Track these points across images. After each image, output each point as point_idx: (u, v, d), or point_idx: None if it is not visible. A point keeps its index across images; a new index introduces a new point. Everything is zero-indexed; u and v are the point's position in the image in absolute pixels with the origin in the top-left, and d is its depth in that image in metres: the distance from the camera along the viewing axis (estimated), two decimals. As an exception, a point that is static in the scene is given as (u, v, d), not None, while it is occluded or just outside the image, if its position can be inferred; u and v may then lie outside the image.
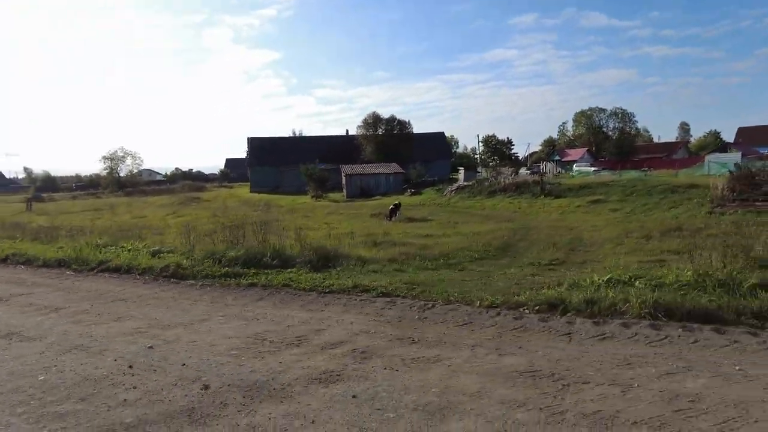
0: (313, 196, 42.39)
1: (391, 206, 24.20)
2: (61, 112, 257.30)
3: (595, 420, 3.56)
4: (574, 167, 62.45)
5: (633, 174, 46.98)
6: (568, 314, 5.86)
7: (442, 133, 67.76)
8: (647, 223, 17.15)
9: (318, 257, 8.81)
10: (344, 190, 44.98)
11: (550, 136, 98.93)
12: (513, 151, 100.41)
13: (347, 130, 68.64)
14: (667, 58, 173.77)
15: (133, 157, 75.66)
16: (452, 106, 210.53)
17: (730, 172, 20.47)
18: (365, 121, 60.42)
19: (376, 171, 47.07)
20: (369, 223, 21.58)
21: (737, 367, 4.28)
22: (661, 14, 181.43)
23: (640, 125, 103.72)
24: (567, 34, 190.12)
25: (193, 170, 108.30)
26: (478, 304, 6.47)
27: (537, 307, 6.09)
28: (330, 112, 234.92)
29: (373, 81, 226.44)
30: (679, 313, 5.48)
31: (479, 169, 72.69)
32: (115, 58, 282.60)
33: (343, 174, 46.16)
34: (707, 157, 48.19)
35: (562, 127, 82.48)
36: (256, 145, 62.63)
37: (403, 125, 60.91)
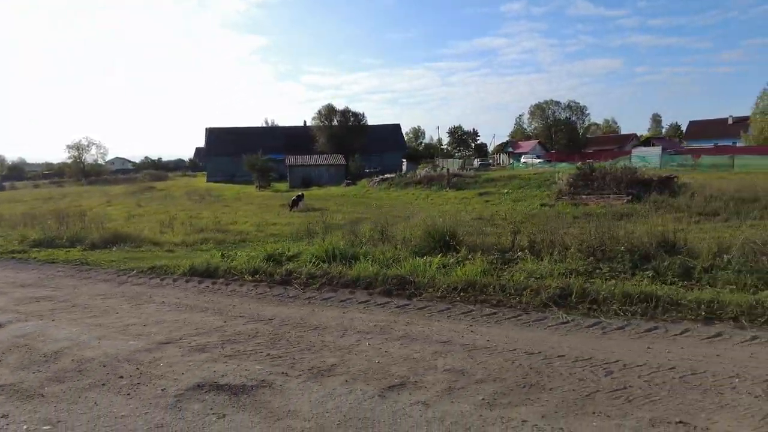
0: (257, 187, 44.46)
1: (294, 197, 26.26)
2: (40, 99, 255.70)
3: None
4: (522, 159, 64.96)
5: (563, 166, 49.61)
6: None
7: (398, 125, 69.88)
8: (479, 210, 19.49)
9: (102, 239, 11.00)
10: (288, 180, 47.09)
11: (523, 127, 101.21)
12: (479, 142, 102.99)
13: (305, 121, 70.56)
14: (655, 47, 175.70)
15: (98, 146, 77.27)
16: (442, 93, 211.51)
17: (577, 168, 22.79)
18: (319, 113, 62.35)
19: (319, 162, 49.13)
20: (268, 214, 23.69)
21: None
22: (648, 3, 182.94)
23: (608, 116, 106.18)
24: (555, 22, 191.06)
25: (163, 159, 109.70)
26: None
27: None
28: (318, 99, 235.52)
29: (362, 68, 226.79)
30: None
31: (437, 160, 75.12)
32: (111, 52, 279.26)
33: (286, 165, 48.20)
34: (633, 151, 50.89)
35: (519, 120, 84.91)
36: (213, 134, 64.40)
37: (358, 117, 62.87)
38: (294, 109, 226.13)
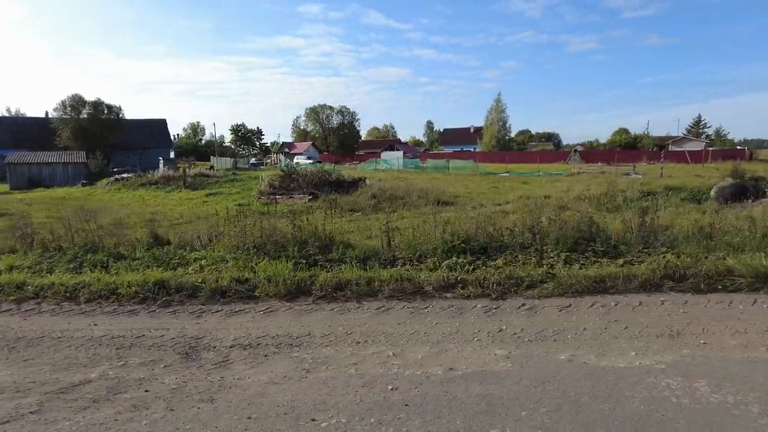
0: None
1: (-23, 200, 22.64)
2: None
3: None
4: (295, 159, 67.65)
5: (327, 167, 53.19)
6: None
7: (164, 120, 65.59)
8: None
9: None
10: (8, 180, 40.27)
11: (303, 128, 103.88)
12: (263, 141, 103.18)
13: (47, 112, 61.21)
14: (435, 61, 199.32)
15: None
16: (241, 88, 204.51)
17: (282, 169, 24.81)
18: (63, 104, 54.73)
19: (52, 160, 43.15)
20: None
21: None
22: (430, 21, 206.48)
23: (387, 122, 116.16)
24: (351, 28, 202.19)
25: None
26: None
27: None
28: (93, 86, 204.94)
29: (148, 55, 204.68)
30: None
31: (213, 158, 72.87)
32: None
33: (5, 162, 41.15)
34: (382, 154, 57.70)
35: (296, 121, 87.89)
36: None
37: (113, 110, 57.03)
38: (53, 96, 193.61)
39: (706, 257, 6.09)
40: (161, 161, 50.28)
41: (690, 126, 79.73)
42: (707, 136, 73.72)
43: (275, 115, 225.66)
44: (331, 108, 78.96)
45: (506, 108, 76.35)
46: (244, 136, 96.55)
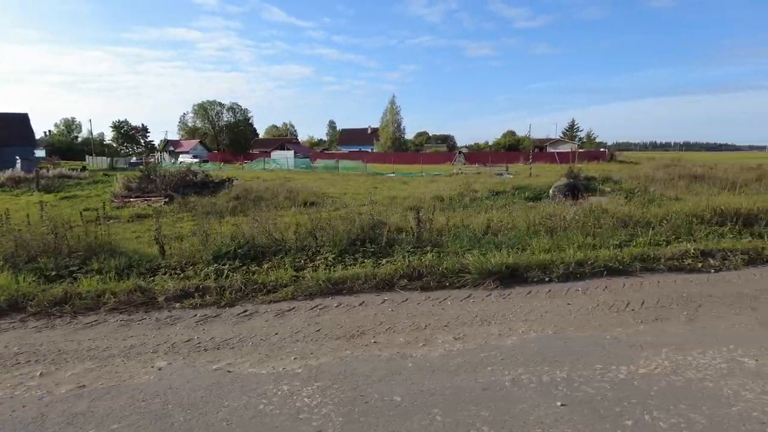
0: None
1: None
2: None
3: None
4: (179, 158, 64.05)
5: (208, 166, 50.95)
6: None
7: (25, 115, 58.58)
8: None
9: None
10: None
11: (191, 126, 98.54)
12: (150, 139, 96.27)
13: None
14: (338, 61, 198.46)
15: None
16: (130, 81, 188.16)
17: (139, 169, 23.16)
18: None
19: None
20: None
21: None
22: (332, 20, 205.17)
23: (288, 121, 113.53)
24: (251, 23, 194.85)
25: None
26: None
27: None
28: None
29: (17, 40, 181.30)
30: None
31: (89, 158, 66.51)
32: None
33: None
34: (272, 154, 56.57)
35: (182, 118, 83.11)
36: None
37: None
38: None
39: (463, 255, 6.47)
40: (18, 160, 44.80)
41: (565, 129, 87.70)
42: (580, 139, 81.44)
43: (170, 111, 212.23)
44: (221, 104, 75.63)
45: (400, 110, 78.35)
46: (127, 133, 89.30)
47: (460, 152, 61.53)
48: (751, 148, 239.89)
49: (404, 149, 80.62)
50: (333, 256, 6.58)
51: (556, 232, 7.88)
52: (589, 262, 6.14)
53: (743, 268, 6.35)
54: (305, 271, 5.93)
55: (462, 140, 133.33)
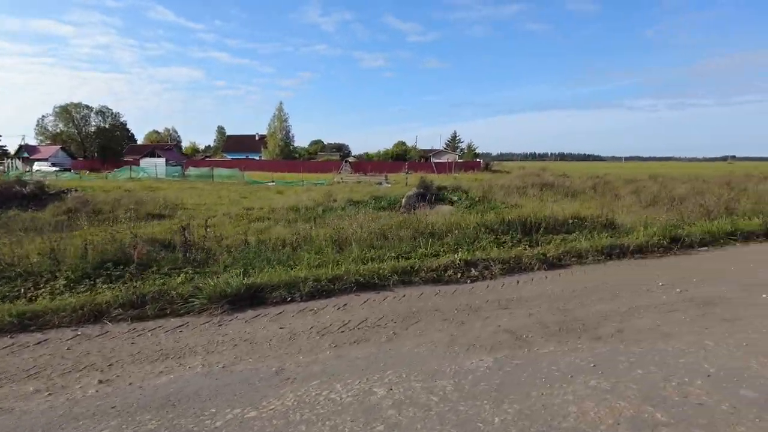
0: None
1: None
2: None
3: None
4: (35, 166, 57.02)
5: (67, 175, 45.80)
6: None
7: None
8: None
9: None
10: None
11: (53, 130, 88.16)
12: (2, 144, 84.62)
13: None
14: (231, 65, 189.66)
15: None
16: None
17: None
18: None
19: None
20: None
21: None
22: (224, 23, 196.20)
23: (174, 125, 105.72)
24: (134, 21, 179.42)
25: None
26: None
27: None
28: None
29: None
30: None
31: None
32: None
33: None
34: (141, 161, 52.43)
35: (41, 121, 74.12)
36: None
37: None
38: None
39: (221, 274, 5.93)
40: None
41: (448, 141, 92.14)
42: (461, 150, 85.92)
43: (37, 114, 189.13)
44: (88, 107, 68.41)
45: (288, 117, 76.92)
46: (-29, 137, 77.57)
47: (346, 161, 61.72)
48: (613, 158, 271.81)
49: (294, 157, 79.29)
50: (64, 282, 5.69)
51: (345, 245, 7.67)
52: (344, 277, 5.92)
53: (499, 278, 6.56)
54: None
55: (358, 149, 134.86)
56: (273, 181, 40.78)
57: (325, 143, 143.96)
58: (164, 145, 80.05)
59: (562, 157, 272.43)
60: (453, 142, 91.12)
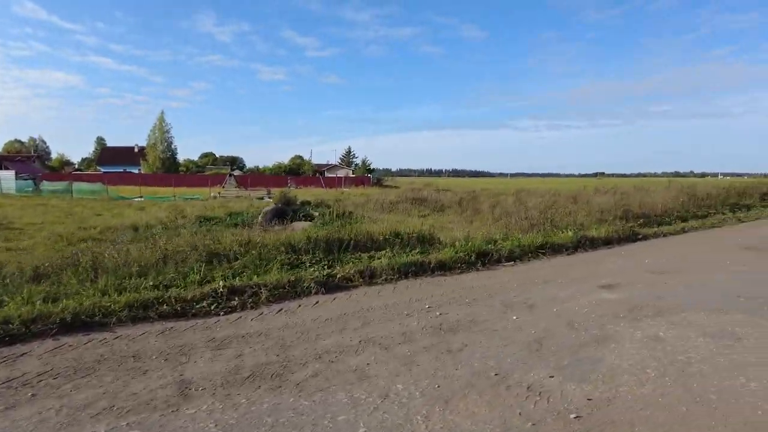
0: None
1: None
2: None
3: None
4: None
5: None
6: None
7: None
8: None
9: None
10: None
11: None
12: None
13: None
14: (116, 72, 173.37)
15: None
16: None
17: None
18: None
19: None
20: None
21: None
22: (108, 27, 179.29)
23: (43, 134, 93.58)
24: None
25: None
26: None
27: None
28: None
29: None
30: None
31: None
32: None
33: None
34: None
35: None
36: None
37: None
38: None
39: None
40: None
41: (343, 156, 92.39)
42: (356, 165, 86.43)
43: None
44: None
45: (171, 127, 72.17)
46: None
47: (230, 175, 58.95)
48: (501, 174, 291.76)
49: (178, 171, 74.37)
50: None
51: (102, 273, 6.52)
52: (50, 317, 4.82)
53: (263, 307, 5.84)
54: None
55: (258, 162, 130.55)
56: (141, 197, 37.41)
57: (218, 156, 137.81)
58: (15, 157, 70.59)
59: (457, 173, 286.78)
60: (347, 157, 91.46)
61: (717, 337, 4.81)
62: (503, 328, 5.14)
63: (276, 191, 44.33)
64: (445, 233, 10.87)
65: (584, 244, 10.68)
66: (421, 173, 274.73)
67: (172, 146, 72.22)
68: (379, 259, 7.85)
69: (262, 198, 36.20)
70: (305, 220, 18.03)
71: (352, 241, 8.43)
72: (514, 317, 5.53)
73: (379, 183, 64.56)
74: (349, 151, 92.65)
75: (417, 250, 8.63)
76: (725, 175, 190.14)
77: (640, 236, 12.36)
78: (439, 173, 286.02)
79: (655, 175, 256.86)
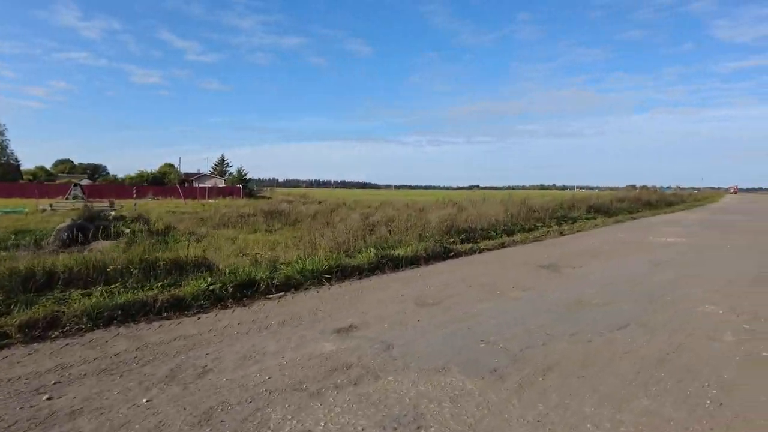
0: None
1: None
2: None
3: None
4: None
5: None
6: None
7: None
8: None
9: None
10: None
11: None
12: None
13: None
14: None
15: None
16: None
17: None
18: None
19: None
20: None
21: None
22: None
23: None
24: None
25: None
26: None
27: None
28: None
29: None
30: None
31: None
32: None
33: None
34: None
35: None
36: None
37: None
38: None
39: None
40: None
41: (215, 165, 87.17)
42: (230, 174, 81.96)
43: None
44: None
45: (6, 130, 62.63)
46: None
47: (76, 184, 52.20)
48: (387, 186, 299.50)
49: (18, 179, 64.63)
50: None
51: None
52: None
53: None
54: None
55: (122, 170, 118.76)
56: (-57, 210, 30.97)
57: (76, 164, 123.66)
58: None
59: (344, 184, 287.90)
60: (221, 166, 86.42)
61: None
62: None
63: (128, 203, 39.79)
64: (239, 258, 9.64)
65: (384, 265, 10.04)
66: (310, 184, 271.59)
67: (8, 150, 62.60)
68: (89, 297, 6.33)
69: (103, 210, 32.09)
70: (113, 239, 15.68)
71: (63, 274, 6.79)
72: (145, 400, 3.96)
73: (251, 194, 61.55)
74: (222, 160, 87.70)
75: (162, 283, 7.23)
76: (581, 187, 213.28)
77: (452, 253, 12.13)
78: (327, 184, 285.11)
79: (524, 187, 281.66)
